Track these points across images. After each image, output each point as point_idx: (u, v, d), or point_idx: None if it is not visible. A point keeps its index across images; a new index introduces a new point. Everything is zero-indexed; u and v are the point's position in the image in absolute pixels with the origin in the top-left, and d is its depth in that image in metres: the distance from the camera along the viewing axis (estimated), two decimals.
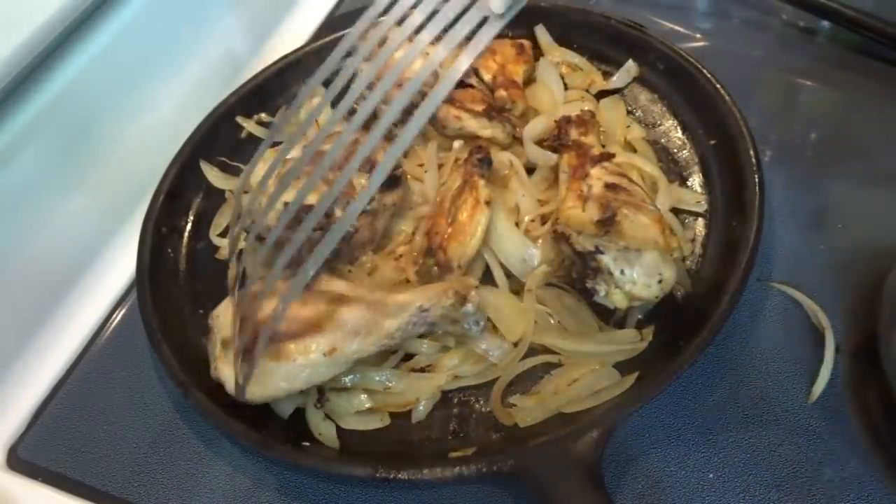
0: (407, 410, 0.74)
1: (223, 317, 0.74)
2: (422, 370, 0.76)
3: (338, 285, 0.73)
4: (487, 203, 0.78)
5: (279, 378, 0.68)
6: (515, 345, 0.75)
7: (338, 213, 0.78)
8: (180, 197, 0.94)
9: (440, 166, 0.89)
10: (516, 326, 0.75)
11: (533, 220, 0.83)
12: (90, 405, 0.83)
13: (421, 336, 0.75)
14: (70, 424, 0.82)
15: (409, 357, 0.77)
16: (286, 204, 0.78)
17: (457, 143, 0.88)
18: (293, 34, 1.20)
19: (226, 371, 0.71)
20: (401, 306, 0.71)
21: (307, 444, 0.71)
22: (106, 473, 0.77)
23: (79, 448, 0.79)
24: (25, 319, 0.88)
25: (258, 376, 0.67)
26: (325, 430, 0.73)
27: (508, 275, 0.80)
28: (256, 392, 0.69)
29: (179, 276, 0.88)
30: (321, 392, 0.74)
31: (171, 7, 1.02)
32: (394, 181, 0.83)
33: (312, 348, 0.68)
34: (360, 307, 0.70)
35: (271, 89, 1.04)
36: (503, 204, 0.82)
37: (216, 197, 0.96)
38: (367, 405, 0.74)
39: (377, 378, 0.74)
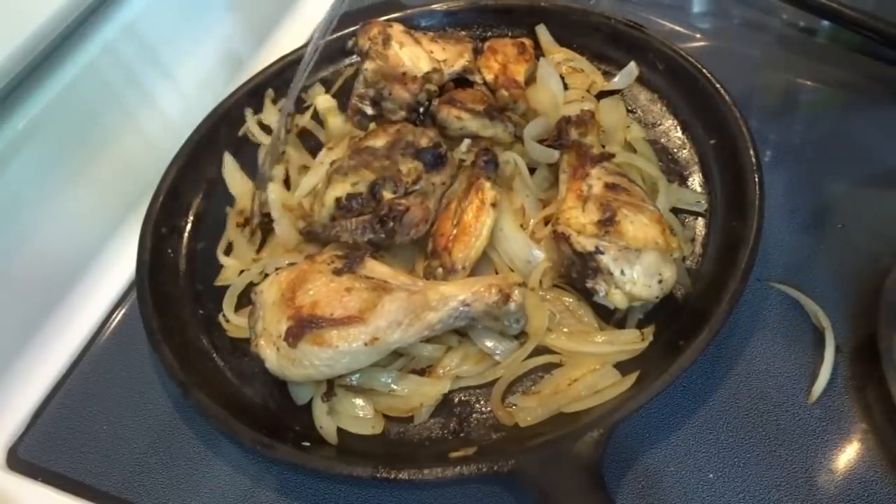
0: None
1: (266, 293, 0.74)
2: (422, 371, 0.76)
3: (381, 271, 0.73)
4: (493, 205, 0.78)
5: (320, 363, 0.69)
6: (522, 343, 0.75)
7: (386, 195, 0.78)
8: (180, 197, 0.94)
9: None
10: (534, 321, 0.75)
11: (537, 222, 0.83)
12: (90, 405, 0.83)
13: None
14: (70, 424, 0.82)
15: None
16: (338, 199, 0.78)
17: (464, 145, 0.88)
18: (293, 34, 1.20)
19: (266, 349, 0.71)
20: (443, 299, 0.71)
21: (307, 443, 0.71)
22: (106, 473, 0.77)
23: (79, 448, 0.80)
24: (25, 319, 0.88)
25: (298, 359, 0.69)
26: (326, 425, 0.73)
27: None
28: (294, 373, 0.70)
29: (179, 276, 0.88)
30: (330, 386, 0.74)
31: (172, 7, 1.02)
32: (440, 160, 0.83)
33: (354, 337, 0.68)
34: (403, 297, 0.70)
35: (269, 89, 1.04)
36: (509, 205, 0.82)
37: (216, 197, 0.96)
38: (367, 412, 0.74)
39: (382, 379, 0.74)
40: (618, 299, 0.71)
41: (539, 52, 1.02)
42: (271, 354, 0.71)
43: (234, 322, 0.83)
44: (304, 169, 0.95)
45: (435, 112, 0.90)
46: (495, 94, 0.94)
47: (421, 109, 0.91)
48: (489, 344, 0.75)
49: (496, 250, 0.80)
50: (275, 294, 0.72)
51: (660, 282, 0.71)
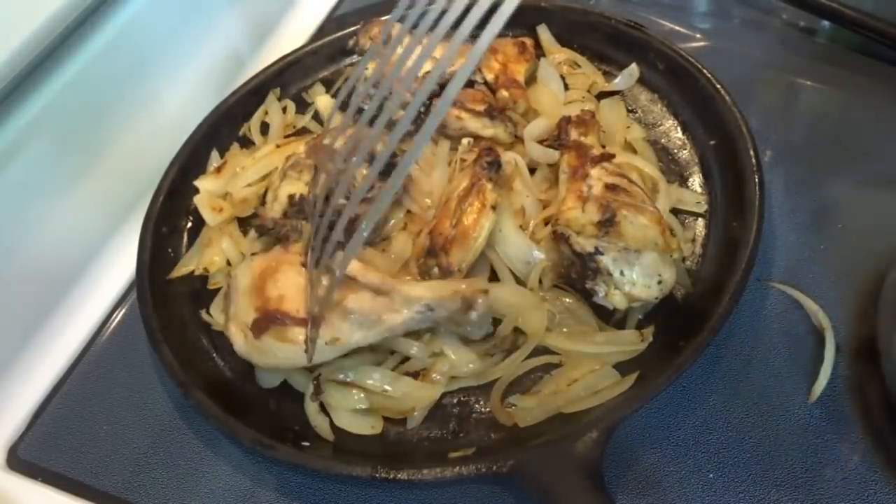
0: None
1: (240, 277, 0.74)
2: (416, 374, 0.75)
3: (350, 266, 0.73)
4: (493, 208, 0.78)
5: (283, 356, 0.70)
6: (517, 346, 0.75)
7: (338, 200, 0.78)
8: (180, 197, 0.94)
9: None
10: (533, 321, 0.75)
11: (537, 223, 0.83)
12: (90, 405, 0.83)
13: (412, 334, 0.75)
14: (70, 424, 0.82)
15: (404, 358, 0.76)
16: (290, 196, 0.79)
17: (465, 141, 0.88)
18: (293, 34, 1.20)
19: (236, 334, 0.72)
20: (408, 301, 0.71)
21: (307, 444, 0.71)
22: (106, 473, 0.77)
23: (79, 448, 0.80)
24: (25, 319, 0.88)
25: (263, 349, 0.70)
26: (320, 423, 0.73)
27: (516, 277, 0.80)
28: (261, 360, 0.72)
29: (180, 276, 0.88)
30: (318, 384, 0.74)
31: (172, 7, 1.02)
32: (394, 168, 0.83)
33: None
34: (367, 298, 0.71)
35: (271, 89, 1.04)
36: (509, 205, 0.82)
37: None
38: (364, 405, 0.74)
39: (375, 377, 0.74)
40: (617, 300, 0.71)
41: (540, 51, 1.02)
42: (239, 340, 0.72)
43: (217, 319, 0.83)
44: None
45: None
46: (495, 93, 0.94)
47: (422, 110, 0.91)
48: (454, 357, 0.75)
49: (496, 251, 0.80)
50: (248, 280, 0.73)
51: (659, 283, 0.71)
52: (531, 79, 0.98)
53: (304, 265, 0.72)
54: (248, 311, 0.71)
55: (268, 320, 0.69)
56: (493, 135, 0.89)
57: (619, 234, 0.71)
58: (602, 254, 0.71)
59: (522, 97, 0.93)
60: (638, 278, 0.70)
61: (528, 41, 1.00)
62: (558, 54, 1.01)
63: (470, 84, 0.96)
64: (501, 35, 1.03)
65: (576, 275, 0.74)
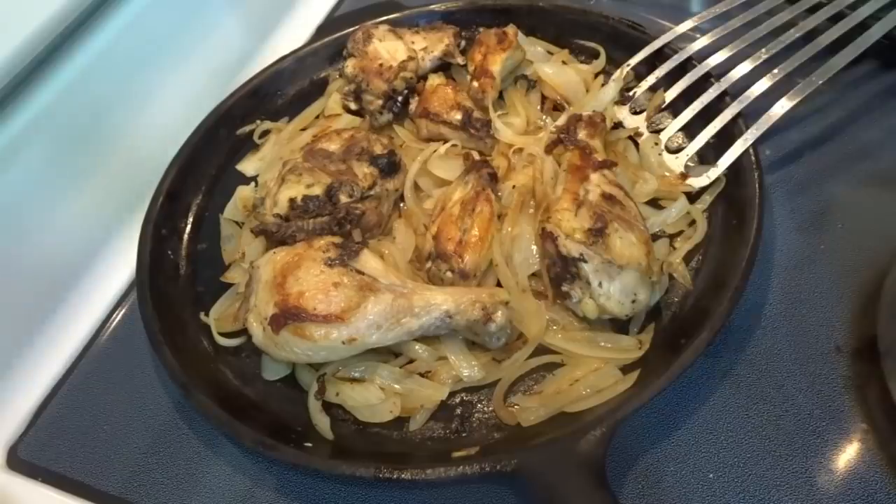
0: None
1: (262, 270, 0.75)
2: (422, 375, 0.75)
3: (373, 266, 0.74)
4: (500, 217, 0.80)
5: (300, 351, 0.71)
6: (520, 343, 0.75)
7: (343, 199, 0.80)
8: (180, 198, 0.94)
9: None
10: (532, 327, 0.75)
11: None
12: (90, 405, 0.83)
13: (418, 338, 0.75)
14: (70, 424, 0.82)
15: (408, 361, 0.76)
16: (291, 200, 0.79)
17: (443, 148, 0.90)
18: (293, 34, 1.20)
19: (255, 325, 0.73)
20: (427, 307, 0.71)
21: (309, 444, 0.71)
22: (106, 473, 0.77)
23: (79, 448, 0.80)
24: (25, 320, 0.88)
25: (280, 343, 0.71)
26: (320, 421, 0.73)
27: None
28: (277, 353, 0.73)
29: (179, 277, 0.88)
30: (322, 383, 0.74)
31: (171, 8, 1.02)
32: (394, 167, 0.85)
33: (334, 335, 0.70)
34: (387, 300, 0.71)
35: (270, 90, 1.04)
36: (518, 208, 0.82)
37: (216, 198, 0.96)
38: (380, 397, 0.74)
39: (384, 374, 0.74)
40: (589, 309, 0.72)
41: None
42: (258, 332, 0.73)
43: (214, 322, 0.83)
44: None
45: (417, 126, 0.93)
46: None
47: (399, 99, 0.92)
48: (455, 360, 0.74)
49: (499, 255, 0.80)
50: (269, 273, 0.73)
51: (633, 301, 0.71)
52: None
53: (327, 263, 0.72)
54: (268, 305, 0.71)
55: (286, 316, 0.70)
56: (474, 148, 0.90)
57: (606, 245, 0.71)
58: (585, 261, 0.71)
59: (491, 87, 0.92)
60: (615, 293, 0.70)
61: (510, 30, 0.98)
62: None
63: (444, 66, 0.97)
64: (488, 25, 1.03)
65: (554, 275, 0.74)
